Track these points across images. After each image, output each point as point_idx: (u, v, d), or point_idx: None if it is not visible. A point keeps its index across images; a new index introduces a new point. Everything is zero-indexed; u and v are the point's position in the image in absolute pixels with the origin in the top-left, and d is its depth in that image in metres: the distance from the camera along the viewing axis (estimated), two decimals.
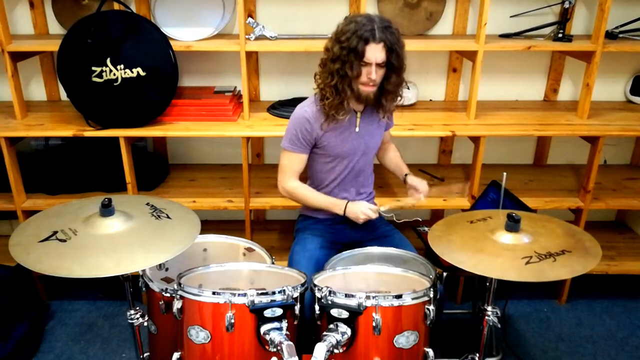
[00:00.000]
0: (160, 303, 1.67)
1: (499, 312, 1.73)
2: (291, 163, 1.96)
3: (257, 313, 1.51)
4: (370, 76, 1.76)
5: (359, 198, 2.06)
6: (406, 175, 2.11)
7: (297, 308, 1.57)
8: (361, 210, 1.92)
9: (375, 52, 1.72)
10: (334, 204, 1.97)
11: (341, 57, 1.74)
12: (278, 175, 2.00)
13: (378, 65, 1.75)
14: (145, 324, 1.71)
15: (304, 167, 1.99)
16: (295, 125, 1.91)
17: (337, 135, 1.92)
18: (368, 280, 1.75)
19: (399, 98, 1.93)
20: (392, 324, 1.55)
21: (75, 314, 2.55)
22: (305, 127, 1.89)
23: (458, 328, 2.50)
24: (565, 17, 2.41)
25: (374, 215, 1.93)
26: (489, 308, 1.72)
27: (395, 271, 1.71)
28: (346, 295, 1.55)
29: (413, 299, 1.56)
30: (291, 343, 1.46)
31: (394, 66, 1.79)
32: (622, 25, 2.48)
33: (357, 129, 1.95)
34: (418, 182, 2.04)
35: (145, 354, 1.81)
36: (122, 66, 2.19)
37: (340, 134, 1.92)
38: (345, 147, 1.95)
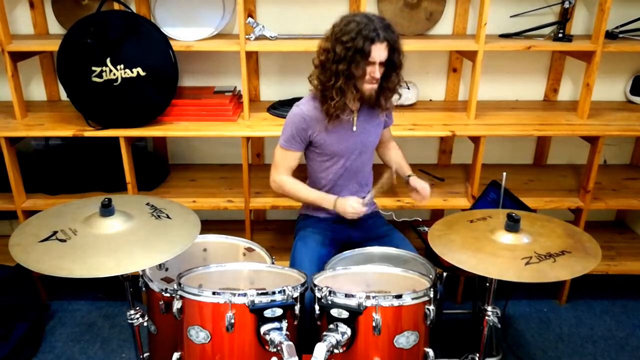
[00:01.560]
0: (160, 303, 1.67)
1: (499, 312, 1.73)
2: (285, 160, 1.98)
3: (257, 313, 1.51)
4: (374, 74, 1.78)
5: (358, 196, 2.06)
6: (409, 176, 2.11)
7: (297, 308, 1.57)
8: (349, 204, 1.91)
9: (379, 51, 1.75)
10: (324, 199, 1.97)
11: (347, 57, 1.75)
12: (271, 169, 2.02)
13: (380, 63, 1.77)
14: (145, 324, 1.71)
15: (297, 164, 2.00)
16: (291, 123, 1.92)
17: (334, 133, 1.92)
18: (368, 280, 1.75)
19: (397, 96, 1.94)
20: (392, 324, 1.55)
21: (75, 314, 2.55)
22: (302, 125, 1.90)
23: (458, 328, 2.50)
24: (565, 17, 2.41)
25: (362, 209, 1.91)
26: (489, 308, 1.72)
27: (395, 271, 1.71)
28: (346, 295, 1.55)
29: (413, 299, 1.56)
30: (291, 343, 1.46)
31: (395, 64, 1.82)
32: (622, 25, 2.48)
33: (354, 128, 1.95)
34: (421, 187, 2.03)
35: (145, 354, 1.81)
36: (122, 66, 2.19)
37: (337, 133, 1.93)
38: (342, 146, 1.95)
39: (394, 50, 1.79)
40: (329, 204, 1.96)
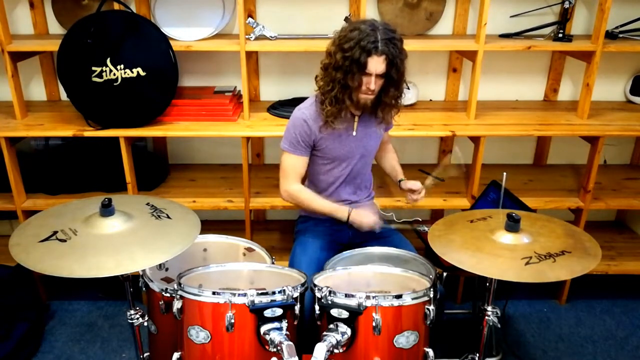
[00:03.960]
0: (160, 303, 1.67)
1: (499, 312, 1.73)
2: (294, 165, 1.95)
3: (257, 313, 1.51)
4: (369, 86, 1.76)
5: (358, 199, 2.06)
6: (400, 181, 2.11)
7: (297, 308, 1.57)
8: (367, 223, 1.92)
9: (376, 64, 1.72)
10: (337, 209, 1.96)
11: (343, 66, 1.74)
12: (280, 179, 1.98)
13: (377, 75, 1.75)
14: (145, 324, 1.71)
15: (305, 169, 1.98)
16: (294, 128, 1.91)
17: (335, 138, 1.92)
18: (368, 280, 1.75)
19: (396, 110, 1.93)
20: (392, 324, 1.55)
21: (75, 314, 2.55)
22: (304, 129, 1.89)
23: (458, 328, 2.50)
24: (565, 17, 2.41)
25: (379, 224, 1.94)
26: (489, 308, 1.72)
27: (395, 271, 1.71)
28: (346, 295, 1.55)
29: (413, 299, 1.56)
30: (291, 343, 1.46)
31: (393, 79, 1.78)
32: (622, 25, 2.48)
33: (354, 133, 1.95)
34: (412, 184, 2.04)
35: (145, 354, 1.81)
36: (122, 66, 2.19)
37: (338, 137, 1.92)
38: (343, 150, 1.95)
39: (393, 65, 1.74)
40: (342, 215, 1.95)
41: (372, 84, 1.75)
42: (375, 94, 1.81)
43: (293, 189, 1.96)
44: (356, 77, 1.74)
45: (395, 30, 1.75)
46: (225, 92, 2.50)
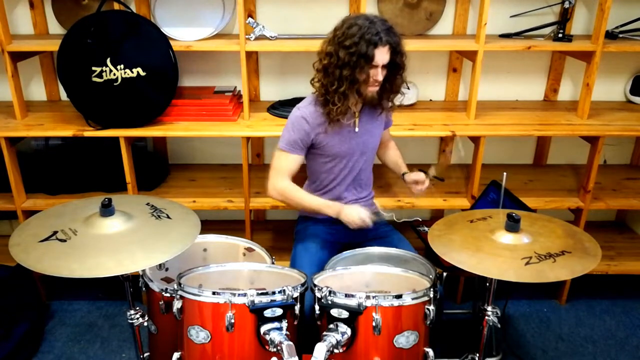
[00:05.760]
0: (160, 303, 1.67)
1: (499, 312, 1.73)
2: (287, 164, 1.93)
3: (257, 313, 1.51)
4: (377, 77, 1.78)
5: (358, 197, 2.06)
6: (404, 174, 2.12)
7: (297, 308, 1.57)
8: (360, 216, 1.87)
9: (382, 55, 1.75)
10: (327, 206, 1.93)
11: (351, 63, 1.74)
12: (270, 176, 1.95)
13: (382, 66, 1.77)
14: (145, 324, 1.71)
15: (299, 167, 1.97)
16: (292, 127, 1.90)
17: (336, 135, 1.92)
18: (368, 280, 1.75)
19: (400, 97, 1.95)
20: (392, 324, 1.55)
21: (75, 314, 2.55)
22: (304, 128, 1.89)
23: (458, 328, 2.50)
24: (565, 17, 2.41)
25: (369, 222, 1.88)
26: (489, 308, 1.72)
27: (395, 271, 1.71)
28: (346, 295, 1.55)
29: (413, 299, 1.56)
30: (291, 343, 1.46)
31: (399, 66, 1.82)
32: (622, 25, 2.48)
33: (356, 129, 1.95)
34: (415, 175, 2.05)
35: (145, 354, 1.81)
36: (122, 66, 2.19)
37: (339, 134, 1.92)
38: (344, 147, 1.95)
39: (397, 53, 1.79)
40: (333, 212, 1.92)
41: (378, 75, 1.78)
42: (380, 85, 1.83)
43: (283, 185, 1.93)
44: (365, 70, 1.76)
45: (387, 19, 1.79)
46: (225, 92, 2.50)
